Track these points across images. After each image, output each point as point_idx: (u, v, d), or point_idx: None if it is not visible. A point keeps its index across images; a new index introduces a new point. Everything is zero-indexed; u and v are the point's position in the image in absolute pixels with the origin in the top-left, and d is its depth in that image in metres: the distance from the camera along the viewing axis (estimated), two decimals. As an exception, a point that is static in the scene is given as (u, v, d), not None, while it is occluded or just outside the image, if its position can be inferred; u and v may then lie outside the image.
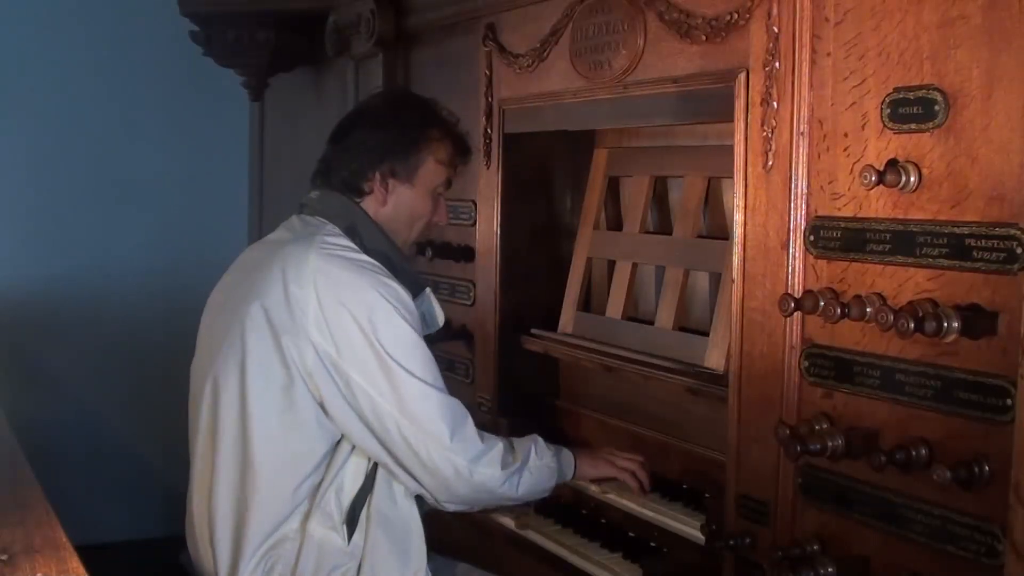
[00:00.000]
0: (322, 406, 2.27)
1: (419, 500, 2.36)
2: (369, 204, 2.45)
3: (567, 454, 2.51)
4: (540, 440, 2.45)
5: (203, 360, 2.42)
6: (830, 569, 1.88)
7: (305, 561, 2.28)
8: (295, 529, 2.29)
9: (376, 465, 2.32)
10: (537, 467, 2.39)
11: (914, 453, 1.75)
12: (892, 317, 1.74)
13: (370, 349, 2.23)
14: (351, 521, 2.31)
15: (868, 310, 1.81)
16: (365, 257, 2.33)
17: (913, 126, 1.77)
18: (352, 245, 2.35)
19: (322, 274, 2.25)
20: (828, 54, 1.94)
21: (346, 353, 2.23)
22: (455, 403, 2.31)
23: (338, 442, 2.32)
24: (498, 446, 2.32)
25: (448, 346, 3.07)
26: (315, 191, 2.50)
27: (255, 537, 2.28)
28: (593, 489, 2.60)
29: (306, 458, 2.29)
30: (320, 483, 2.30)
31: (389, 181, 2.44)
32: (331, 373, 2.23)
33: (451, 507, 2.35)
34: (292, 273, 2.26)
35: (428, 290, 2.51)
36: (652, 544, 2.54)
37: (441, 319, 2.55)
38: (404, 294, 2.31)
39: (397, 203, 2.46)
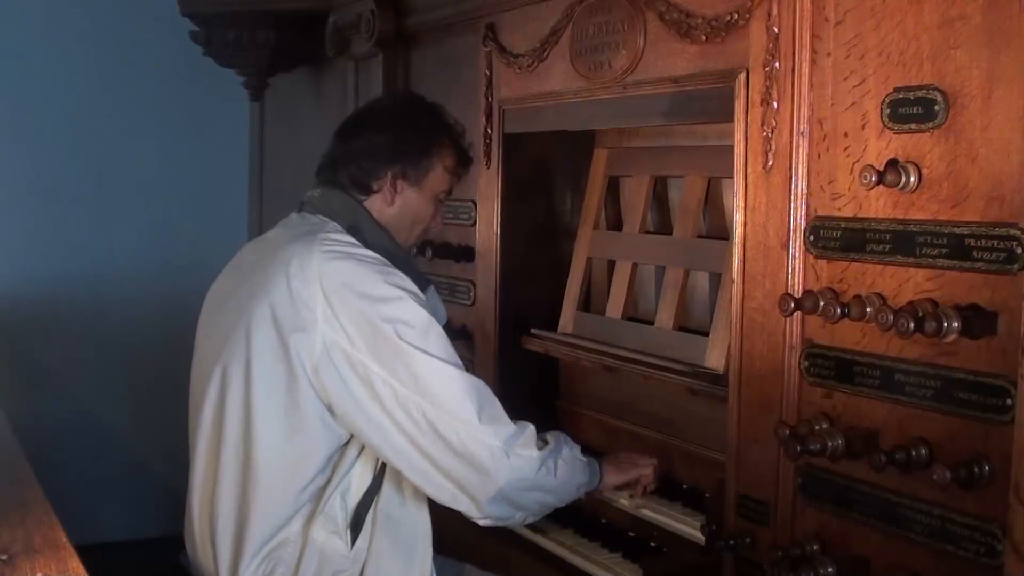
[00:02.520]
0: (329, 407, 2.23)
1: (430, 500, 2.29)
2: (374, 203, 2.44)
3: (592, 459, 2.43)
4: (566, 435, 2.38)
5: (205, 360, 2.39)
6: (830, 569, 1.88)
7: (306, 565, 2.26)
8: (297, 532, 2.27)
9: (384, 464, 2.29)
10: (570, 457, 2.31)
11: (914, 453, 1.75)
12: (892, 317, 1.74)
13: (382, 335, 2.18)
14: (356, 525, 2.28)
15: (868, 310, 1.81)
16: (369, 252, 2.30)
17: (913, 126, 1.77)
18: (354, 241, 2.33)
19: (327, 271, 2.23)
20: (828, 54, 1.94)
21: (359, 343, 2.18)
22: (479, 383, 2.25)
23: (346, 444, 2.28)
24: (530, 428, 2.24)
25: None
26: (317, 189, 2.48)
27: (257, 539, 2.25)
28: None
29: (310, 460, 2.25)
30: (326, 485, 2.27)
31: (399, 182, 2.44)
32: (340, 369, 2.18)
33: (491, 509, 2.21)
34: (296, 271, 2.23)
35: (432, 288, 2.48)
36: (652, 544, 2.54)
37: (445, 316, 2.53)
38: (410, 283, 2.28)
39: (403, 205, 2.46)
